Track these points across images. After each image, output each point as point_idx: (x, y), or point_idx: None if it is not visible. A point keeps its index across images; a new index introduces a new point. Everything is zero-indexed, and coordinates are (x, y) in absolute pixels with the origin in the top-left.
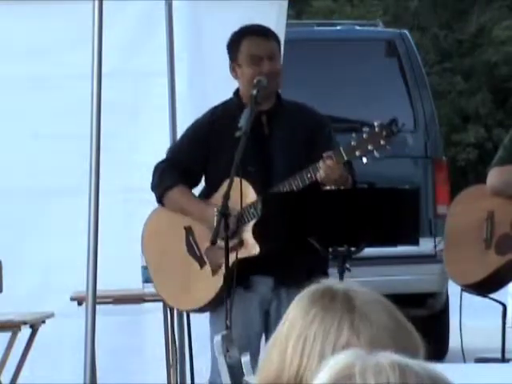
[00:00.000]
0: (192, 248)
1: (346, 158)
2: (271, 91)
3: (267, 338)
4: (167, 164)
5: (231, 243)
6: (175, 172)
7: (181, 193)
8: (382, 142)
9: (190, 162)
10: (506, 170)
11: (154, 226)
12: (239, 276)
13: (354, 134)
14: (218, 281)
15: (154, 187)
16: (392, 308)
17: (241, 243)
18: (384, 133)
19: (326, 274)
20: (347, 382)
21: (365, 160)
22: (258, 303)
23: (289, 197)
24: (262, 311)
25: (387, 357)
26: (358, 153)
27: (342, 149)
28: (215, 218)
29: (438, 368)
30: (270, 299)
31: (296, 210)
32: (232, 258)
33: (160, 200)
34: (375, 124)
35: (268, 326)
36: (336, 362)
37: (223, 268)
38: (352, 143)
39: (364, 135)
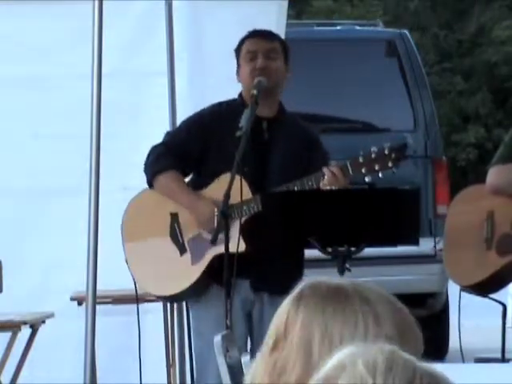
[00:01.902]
0: (175, 234)
1: (351, 173)
2: (270, 90)
3: (252, 341)
4: (163, 147)
5: (220, 237)
6: (170, 156)
7: (172, 178)
8: (389, 165)
9: (187, 150)
10: (507, 168)
11: (139, 207)
12: (220, 275)
13: (361, 152)
14: (196, 271)
15: (147, 168)
16: (393, 299)
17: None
18: (393, 156)
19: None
20: (339, 372)
21: (367, 179)
22: (239, 304)
23: (288, 196)
24: (244, 312)
25: (379, 345)
26: (363, 170)
27: (348, 163)
28: (215, 218)
29: (438, 368)
30: (251, 301)
31: (296, 210)
32: (216, 251)
33: (150, 182)
34: (385, 146)
35: (251, 329)
36: (332, 360)
37: (204, 260)
38: (360, 160)
39: (373, 155)
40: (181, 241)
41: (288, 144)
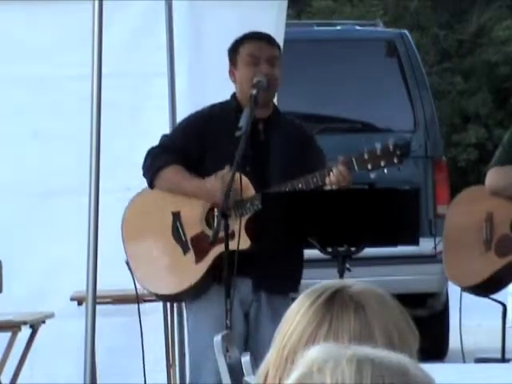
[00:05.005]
0: (178, 233)
1: (357, 170)
2: (268, 97)
3: (248, 340)
4: (161, 149)
5: (221, 234)
6: (169, 155)
7: (175, 171)
8: (395, 161)
9: (185, 152)
10: (506, 169)
11: (139, 207)
12: (220, 274)
13: (365, 148)
14: (200, 270)
15: (146, 170)
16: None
17: (231, 235)
18: (398, 152)
19: (300, 279)
20: (308, 379)
21: (372, 175)
22: (238, 304)
23: (289, 196)
24: (242, 312)
25: (351, 349)
26: (369, 166)
27: (354, 160)
28: (218, 192)
29: (438, 368)
30: (250, 301)
31: (296, 210)
32: (220, 249)
33: (151, 182)
34: (389, 142)
35: (248, 328)
36: (302, 361)
37: (208, 258)
38: (365, 156)
39: (378, 151)
40: (184, 239)
41: (284, 144)
